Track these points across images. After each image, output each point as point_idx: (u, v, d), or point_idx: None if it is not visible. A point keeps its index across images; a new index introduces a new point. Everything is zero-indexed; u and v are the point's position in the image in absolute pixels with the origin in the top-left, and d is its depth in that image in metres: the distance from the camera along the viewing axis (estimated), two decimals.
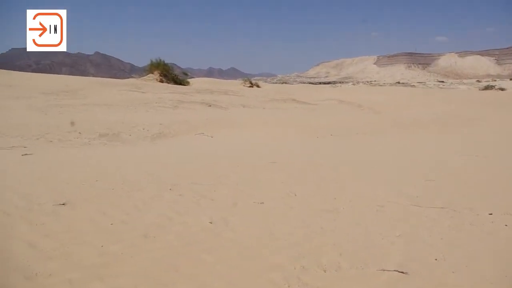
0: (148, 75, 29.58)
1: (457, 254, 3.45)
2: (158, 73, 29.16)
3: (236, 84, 36.40)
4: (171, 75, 29.81)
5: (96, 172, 5.75)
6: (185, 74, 35.03)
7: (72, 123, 13.40)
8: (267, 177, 5.99)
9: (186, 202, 4.47)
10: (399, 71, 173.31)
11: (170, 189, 4.91)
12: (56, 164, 6.56)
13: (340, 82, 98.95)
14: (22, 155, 7.33)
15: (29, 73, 34.23)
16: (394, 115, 18.33)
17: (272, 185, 5.53)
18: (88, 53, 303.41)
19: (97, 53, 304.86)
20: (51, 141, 9.36)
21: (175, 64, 40.78)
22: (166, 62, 30.25)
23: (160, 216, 4.00)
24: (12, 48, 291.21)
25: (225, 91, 24.72)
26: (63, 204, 4.18)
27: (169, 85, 26.70)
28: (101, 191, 4.72)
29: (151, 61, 29.97)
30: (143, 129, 11.26)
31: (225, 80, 52.28)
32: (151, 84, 25.23)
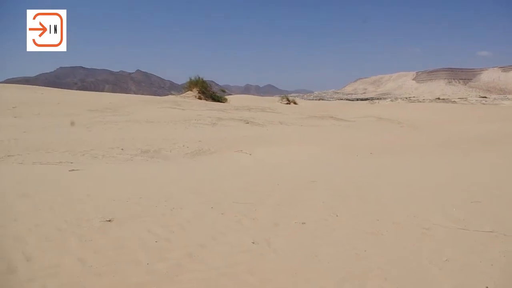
0: (187, 92, 30.18)
1: (510, 283, 3.30)
2: (197, 90, 29.72)
3: (273, 101, 36.55)
4: (209, 92, 30.29)
5: (139, 189, 5.89)
6: (223, 91, 35.56)
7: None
8: (307, 196, 5.95)
9: (228, 221, 4.50)
10: (439, 86, 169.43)
11: (212, 208, 4.96)
12: (102, 180, 6.77)
13: (378, 99, 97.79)
14: (69, 170, 7.60)
15: (76, 90, 35.68)
16: (435, 132, 17.86)
17: (312, 205, 5.48)
18: (130, 71, 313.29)
19: (138, 71, 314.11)
20: (95, 157, 9.66)
21: (213, 81, 41.54)
22: (204, 79, 30.80)
23: (204, 235, 4.04)
24: (60, 67, 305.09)
25: (262, 108, 24.87)
26: (110, 220, 4.30)
27: (208, 102, 27.14)
28: (145, 208, 4.83)
29: (190, 78, 30.63)
30: (183, 145, 11.45)
31: (262, 97, 52.69)
32: (190, 101, 25.70)
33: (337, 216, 4.96)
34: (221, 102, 28.85)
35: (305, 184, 6.83)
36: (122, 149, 10.48)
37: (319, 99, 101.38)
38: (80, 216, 4.43)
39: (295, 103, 36.03)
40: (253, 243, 3.93)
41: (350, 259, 3.72)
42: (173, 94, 34.57)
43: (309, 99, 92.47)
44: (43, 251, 3.52)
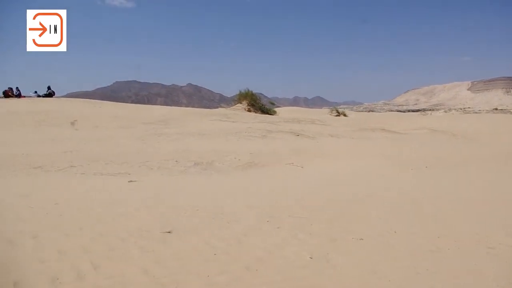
0: (237, 105, 30.56)
1: None
2: (246, 102, 30.02)
3: (322, 113, 36.31)
4: (259, 104, 30.49)
5: (195, 201, 6.02)
6: (272, 103, 35.67)
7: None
8: (363, 211, 5.84)
9: (284, 235, 4.50)
10: (497, 96, 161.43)
11: (268, 221, 4.98)
12: (158, 191, 6.98)
13: (430, 110, 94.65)
14: (128, 181, 7.90)
15: (130, 104, 37.07)
16: (494, 145, 17.05)
17: (369, 220, 5.37)
18: (181, 85, 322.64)
19: (189, 84, 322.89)
20: (151, 168, 9.96)
21: (262, 94, 41.83)
22: (253, 91, 31.08)
23: (260, 249, 4.07)
24: (116, 81, 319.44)
25: (312, 120, 24.74)
26: (169, 232, 4.42)
27: (257, 114, 27.33)
28: (202, 220, 4.93)
29: (240, 91, 31.00)
30: (235, 158, 11.59)
31: (311, 109, 52.50)
32: (240, 113, 26.00)
33: (395, 232, 4.84)
34: (270, 114, 28.98)
35: (359, 198, 6.72)
36: (176, 161, 10.75)
37: (369, 111, 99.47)
38: (140, 227, 4.58)
39: (344, 115, 35.61)
40: (311, 258, 3.91)
41: (411, 277, 3.61)
42: (223, 107, 35.14)
43: (359, 111, 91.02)
44: (108, 260, 3.67)
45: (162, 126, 17.89)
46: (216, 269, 3.55)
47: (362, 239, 4.52)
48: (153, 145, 13.18)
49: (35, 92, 27.72)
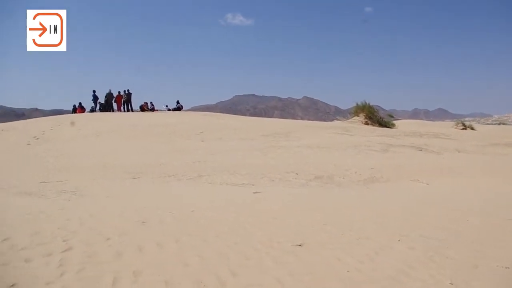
0: (353, 118, 30.02)
1: None
2: (364, 115, 29.33)
3: (446, 126, 33.87)
4: (377, 117, 29.58)
5: (322, 216, 6.03)
6: (390, 116, 34.32)
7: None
8: (507, 236, 5.30)
9: (419, 257, 4.28)
10: None
11: (399, 241, 4.79)
12: (283, 203, 7.14)
13: None
14: (253, 192, 8.20)
15: (248, 116, 38.59)
16: None
17: None
18: (297, 98, 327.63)
19: (305, 97, 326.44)
20: (273, 180, 10.22)
21: (379, 106, 40.53)
22: (370, 104, 30.26)
23: (394, 269, 3.92)
24: (235, 95, 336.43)
25: (435, 134, 23.22)
26: (300, 245, 4.49)
27: (376, 127, 26.53)
28: (332, 235, 4.91)
29: (357, 103, 30.39)
30: (355, 172, 11.37)
31: (432, 122, 49.43)
32: (358, 126, 25.48)
33: None
34: (389, 127, 27.91)
35: (500, 221, 6.12)
36: (296, 174, 10.89)
37: (499, 124, 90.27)
38: (271, 238, 4.72)
39: (472, 128, 32.78)
40: (451, 284, 3.66)
41: None
42: (339, 120, 34.78)
43: (487, 124, 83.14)
44: (244, 268, 3.84)
45: (281, 138, 18.27)
46: (350, 287, 3.51)
47: (508, 267, 4.11)
48: (273, 157, 13.52)
49: (166, 106, 30.31)
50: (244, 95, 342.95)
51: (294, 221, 5.65)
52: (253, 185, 9.47)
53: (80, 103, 28.64)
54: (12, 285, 3.49)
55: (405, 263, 4.09)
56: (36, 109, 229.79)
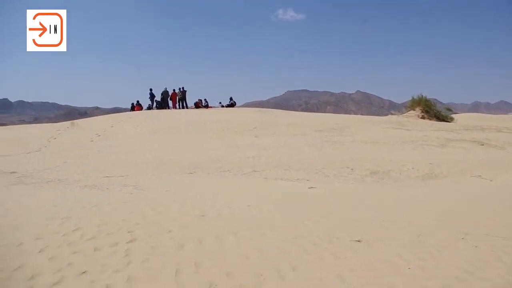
0: (409, 112, 29.08)
1: None
2: (420, 109, 28.35)
3: (509, 120, 32.03)
4: (434, 111, 28.49)
5: (380, 211, 5.93)
6: (449, 109, 32.85)
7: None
8: None
9: (484, 256, 4.09)
10: None
11: (463, 238, 4.61)
12: (345, 199, 7.09)
13: None
14: (308, 187, 8.19)
15: (300, 112, 38.41)
16: None
17: None
18: (350, 92, 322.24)
19: (358, 91, 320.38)
20: (327, 175, 10.15)
21: (436, 99, 39.00)
22: (426, 97, 29.20)
23: (458, 268, 3.77)
24: (287, 91, 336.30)
25: (497, 128, 22.02)
26: (358, 241, 4.44)
27: (433, 121, 25.58)
28: (390, 231, 4.81)
29: (412, 97, 29.43)
30: (412, 168, 11.06)
31: (494, 115, 46.79)
32: (413, 121, 24.68)
33: None
34: (447, 121, 26.80)
35: None
36: (351, 169, 10.75)
37: None
38: (329, 233, 4.71)
39: None
40: None
41: None
42: (393, 114, 33.80)
43: None
44: (304, 262, 3.86)
45: (335, 133, 18.08)
46: (413, 285, 3.41)
47: None
48: (327, 153, 13.41)
49: (220, 102, 30.78)
50: (296, 91, 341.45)
51: (351, 216, 5.60)
52: (307, 180, 9.45)
53: (137, 101, 29.68)
54: (83, 272, 3.71)
55: (470, 262, 3.93)
56: (97, 107, 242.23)
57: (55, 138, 19.62)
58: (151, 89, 29.24)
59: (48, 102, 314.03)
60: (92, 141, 18.89)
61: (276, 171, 10.63)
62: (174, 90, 29.43)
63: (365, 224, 5.17)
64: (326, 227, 5.02)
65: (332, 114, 42.87)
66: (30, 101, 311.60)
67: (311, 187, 8.20)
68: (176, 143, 16.69)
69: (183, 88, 29.59)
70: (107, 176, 10.13)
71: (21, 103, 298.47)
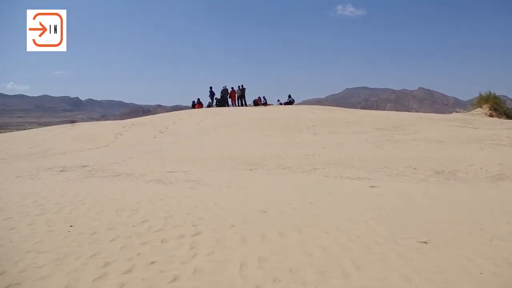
0: (476, 109, 27.66)
1: None
2: (488, 106, 26.88)
3: None
4: (503, 108, 26.92)
5: (447, 212, 5.72)
6: None
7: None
8: None
9: None
10: None
11: None
12: (409, 199, 6.90)
13: None
14: (370, 186, 8.05)
15: (359, 110, 37.63)
16: None
17: None
18: (412, 89, 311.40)
19: (420, 88, 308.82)
20: (389, 174, 9.89)
21: (506, 96, 36.79)
22: (495, 94, 27.64)
23: None
24: (346, 88, 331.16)
25: None
26: (425, 242, 4.31)
27: (502, 120, 24.15)
28: (459, 234, 4.62)
29: (480, 94, 27.98)
30: (481, 168, 10.51)
31: None
32: (481, 119, 23.45)
33: None
34: None
35: None
36: (414, 169, 10.41)
37: None
38: (393, 233, 4.60)
39: None
40: None
41: None
42: (458, 112, 32.31)
43: None
44: (368, 262, 3.81)
45: (396, 131, 17.57)
46: None
47: None
48: (389, 151, 13.07)
49: (278, 100, 30.84)
50: (355, 88, 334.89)
51: (416, 217, 5.43)
52: (369, 179, 9.28)
53: (198, 99, 30.38)
54: (152, 262, 3.90)
55: None
56: (160, 105, 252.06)
57: (122, 135, 20.54)
58: (211, 87, 29.85)
59: (114, 100, 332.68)
60: (155, 137, 19.59)
61: (336, 169, 10.51)
62: (233, 88, 29.86)
63: (431, 225, 5.00)
64: (390, 227, 4.91)
65: (393, 111, 41.64)
66: (98, 99, 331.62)
67: (373, 186, 8.04)
68: (236, 140, 16.94)
69: (242, 86, 29.97)
70: (170, 171, 10.50)
71: (90, 101, 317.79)
